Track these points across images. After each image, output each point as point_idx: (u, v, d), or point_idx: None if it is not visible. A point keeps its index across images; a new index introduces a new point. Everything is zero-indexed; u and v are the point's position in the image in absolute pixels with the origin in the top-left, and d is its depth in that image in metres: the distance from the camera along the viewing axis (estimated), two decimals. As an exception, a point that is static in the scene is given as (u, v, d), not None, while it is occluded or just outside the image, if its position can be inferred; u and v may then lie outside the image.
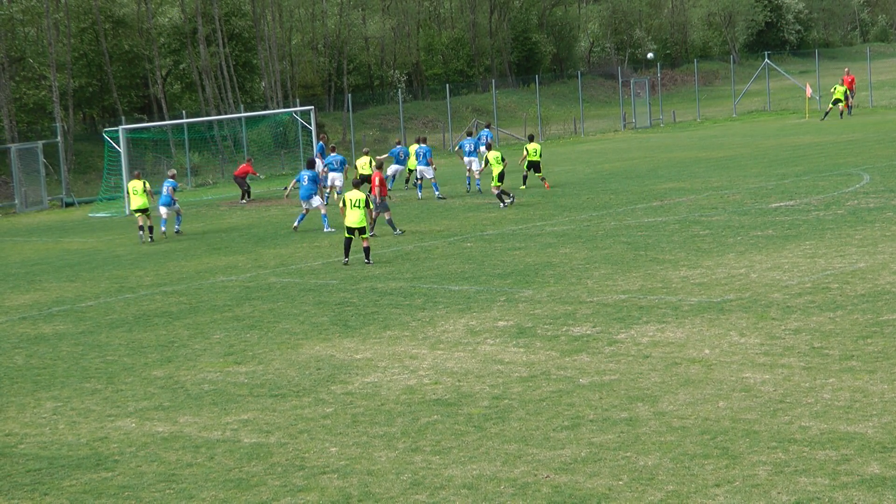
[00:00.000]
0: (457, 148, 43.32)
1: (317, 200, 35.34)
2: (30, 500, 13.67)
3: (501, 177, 37.27)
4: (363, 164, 39.90)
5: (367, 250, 28.19)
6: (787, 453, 13.24)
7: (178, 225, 38.13)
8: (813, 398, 15.20)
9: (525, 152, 42.14)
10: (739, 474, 12.71)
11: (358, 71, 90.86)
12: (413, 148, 43.49)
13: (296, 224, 35.73)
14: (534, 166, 41.97)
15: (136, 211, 36.73)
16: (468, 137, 44.77)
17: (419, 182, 42.48)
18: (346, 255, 28.21)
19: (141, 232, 36.51)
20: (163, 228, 37.27)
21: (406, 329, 21.01)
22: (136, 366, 19.82)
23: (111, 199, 50.92)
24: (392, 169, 43.87)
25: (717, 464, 13.07)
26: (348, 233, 28.04)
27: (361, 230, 27.94)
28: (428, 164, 41.45)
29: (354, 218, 27.78)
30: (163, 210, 37.20)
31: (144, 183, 36.75)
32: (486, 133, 46.23)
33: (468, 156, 43.06)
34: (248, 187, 46.90)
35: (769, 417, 14.54)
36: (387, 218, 32.72)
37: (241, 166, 47.55)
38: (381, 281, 25.97)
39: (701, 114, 77.23)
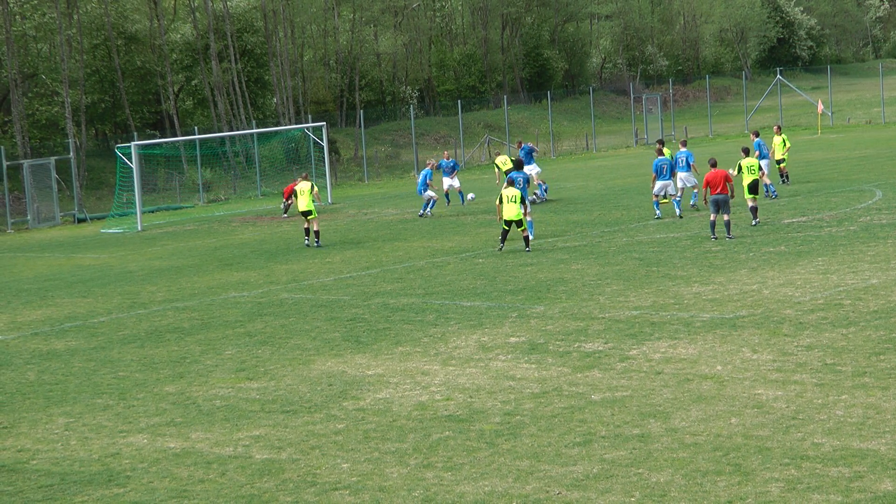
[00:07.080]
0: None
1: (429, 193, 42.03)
2: (42, 515, 13.68)
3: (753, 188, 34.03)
4: (503, 161, 43.39)
5: (526, 239, 31.41)
6: (799, 470, 13.20)
7: (428, 210, 42.06)
8: (825, 415, 15.15)
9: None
10: (752, 491, 12.67)
11: (370, 87, 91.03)
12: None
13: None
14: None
15: (302, 213, 36.29)
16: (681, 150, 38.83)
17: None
18: (503, 242, 31.72)
19: (307, 238, 36.45)
20: (429, 211, 42.16)
21: (418, 345, 20.99)
22: (148, 381, 19.83)
23: (123, 214, 51.07)
24: (447, 184, 44.75)
25: (730, 480, 13.03)
26: (506, 224, 31.26)
27: (518, 223, 31.06)
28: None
29: (511, 212, 30.88)
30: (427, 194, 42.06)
31: (312, 185, 36.22)
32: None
33: (682, 170, 37.66)
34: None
35: (782, 434, 14.50)
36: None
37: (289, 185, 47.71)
38: (393, 297, 25.98)
39: (713, 130, 77.21)
